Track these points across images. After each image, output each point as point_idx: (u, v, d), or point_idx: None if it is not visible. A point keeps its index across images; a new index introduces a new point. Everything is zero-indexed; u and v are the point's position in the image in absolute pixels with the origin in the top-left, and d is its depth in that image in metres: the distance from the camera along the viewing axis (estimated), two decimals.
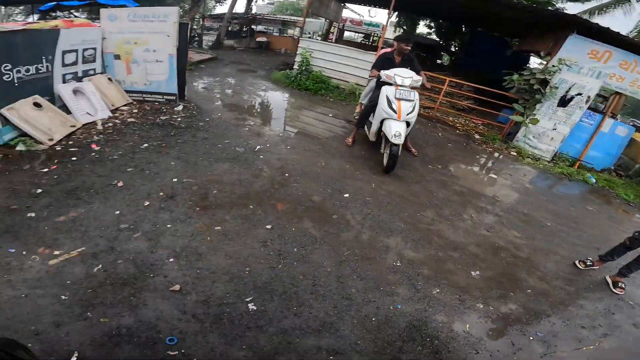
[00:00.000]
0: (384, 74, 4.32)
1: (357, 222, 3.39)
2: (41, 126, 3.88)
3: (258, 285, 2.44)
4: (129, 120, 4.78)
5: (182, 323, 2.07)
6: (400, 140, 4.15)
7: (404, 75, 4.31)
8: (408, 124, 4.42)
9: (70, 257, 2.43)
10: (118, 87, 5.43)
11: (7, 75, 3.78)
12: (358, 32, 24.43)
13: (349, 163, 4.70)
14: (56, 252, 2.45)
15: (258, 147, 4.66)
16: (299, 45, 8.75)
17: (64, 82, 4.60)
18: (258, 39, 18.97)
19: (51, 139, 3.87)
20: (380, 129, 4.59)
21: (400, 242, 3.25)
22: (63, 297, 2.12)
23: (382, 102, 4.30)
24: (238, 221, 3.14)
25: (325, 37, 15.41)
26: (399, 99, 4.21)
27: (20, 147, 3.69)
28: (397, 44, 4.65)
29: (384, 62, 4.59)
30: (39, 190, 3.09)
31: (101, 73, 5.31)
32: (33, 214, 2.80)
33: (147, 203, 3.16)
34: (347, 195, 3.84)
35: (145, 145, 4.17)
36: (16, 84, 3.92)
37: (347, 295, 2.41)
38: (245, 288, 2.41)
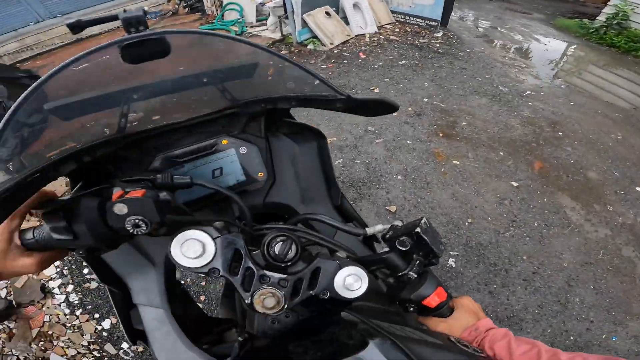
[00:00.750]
0: None
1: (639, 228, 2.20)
2: (327, 32, 4.36)
3: (471, 243, 1.97)
4: (391, 37, 4.72)
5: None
6: None
7: None
8: None
9: None
10: (385, 6, 5.40)
11: None
12: None
13: None
14: None
15: (528, 92, 3.55)
16: None
17: None
18: None
19: (332, 43, 4.32)
20: None
21: None
22: None
23: None
24: (480, 164, 2.56)
25: None
26: None
27: (310, 46, 4.32)
28: None
29: None
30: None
31: None
32: None
33: (394, 114, 3.01)
34: (639, 189, 2.49)
35: (403, 62, 4.00)
36: None
37: (565, 302, 1.83)
38: (456, 240, 2.03)
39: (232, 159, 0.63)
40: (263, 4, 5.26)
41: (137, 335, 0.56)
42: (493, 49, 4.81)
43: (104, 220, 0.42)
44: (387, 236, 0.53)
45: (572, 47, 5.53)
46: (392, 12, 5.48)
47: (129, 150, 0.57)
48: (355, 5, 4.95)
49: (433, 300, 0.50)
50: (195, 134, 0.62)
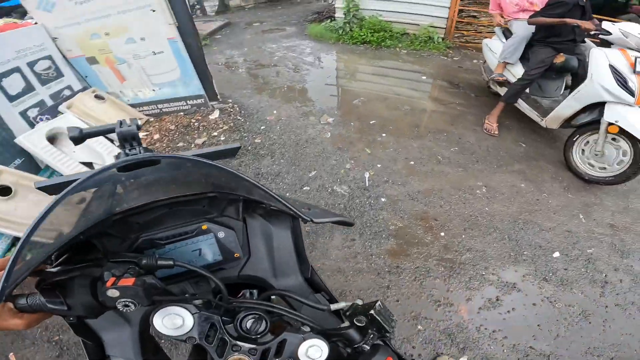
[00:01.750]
0: (623, 31, 2.27)
1: (597, 305, 1.82)
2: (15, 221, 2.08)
3: None
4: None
5: None
6: None
7: None
8: None
9: None
10: (117, 103, 3.36)
11: None
12: None
13: (518, 175, 2.73)
14: None
15: (367, 176, 2.64)
16: None
17: (32, 125, 2.62)
18: None
19: None
20: (580, 114, 2.61)
21: None
22: None
23: (603, 75, 2.31)
24: None
25: None
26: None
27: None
28: None
29: (560, 7, 2.52)
30: None
31: (82, 90, 3.21)
32: None
33: None
34: (557, 255, 2.08)
35: None
36: None
37: None
38: None
39: (210, 242, 0.66)
40: None
41: None
42: (286, 107, 3.71)
43: (94, 296, 0.48)
44: (348, 313, 0.57)
45: (342, 58, 5.19)
46: (134, 106, 3.53)
47: (113, 226, 0.61)
48: (54, 138, 2.71)
49: None
50: (176, 213, 0.65)
